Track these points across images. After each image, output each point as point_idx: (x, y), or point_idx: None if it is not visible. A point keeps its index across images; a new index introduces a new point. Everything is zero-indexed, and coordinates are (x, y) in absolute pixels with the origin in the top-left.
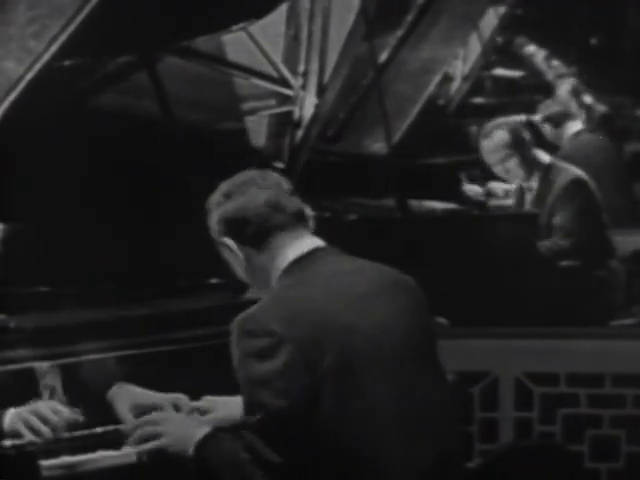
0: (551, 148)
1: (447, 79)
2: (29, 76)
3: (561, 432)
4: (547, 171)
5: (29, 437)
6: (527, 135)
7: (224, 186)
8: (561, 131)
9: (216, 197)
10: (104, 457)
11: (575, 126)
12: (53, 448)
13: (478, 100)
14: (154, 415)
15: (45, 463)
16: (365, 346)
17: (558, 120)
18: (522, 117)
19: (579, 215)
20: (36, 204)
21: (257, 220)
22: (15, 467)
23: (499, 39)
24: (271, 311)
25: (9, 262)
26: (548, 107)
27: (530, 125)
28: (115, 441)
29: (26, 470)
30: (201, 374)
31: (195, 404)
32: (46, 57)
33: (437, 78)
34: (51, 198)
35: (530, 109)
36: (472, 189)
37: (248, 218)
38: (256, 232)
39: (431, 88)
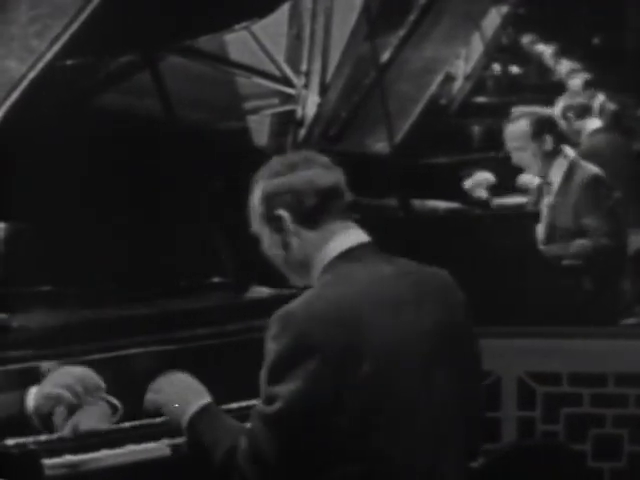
0: (570, 144)
1: (449, 79)
2: (31, 75)
3: (564, 431)
4: (570, 168)
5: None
6: (548, 130)
7: (282, 159)
8: (580, 125)
9: (273, 168)
10: (107, 456)
11: (593, 123)
12: (56, 447)
13: (480, 99)
14: (158, 381)
15: (48, 462)
16: (400, 355)
17: (579, 112)
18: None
19: (610, 213)
20: (38, 204)
21: (321, 198)
22: (18, 466)
23: (505, 37)
24: (311, 312)
25: (11, 262)
26: (569, 99)
27: (551, 121)
28: (118, 440)
29: (29, 469)
30: (203, 374)
31: None
32: (48, 56)
33: (439, 78)
34: (53, 198)
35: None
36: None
37: (313, 193)
38: (316, 210)
39: (433, 88)
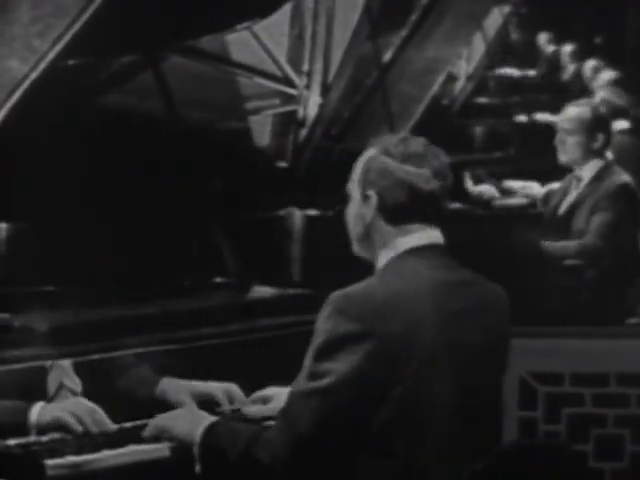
0: None
1: (451, 79)
2: (33, 75)
3: (565, 431)
4: (603, 169)
5: (76, 428)
6: (605, 129)
7: (401, 143)
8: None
9: (390, 146)
10: (109, 456)
11: (622, 123)
12: (58, 447)
13: (482, 100)
14: (166, 414)
15: (50, 462)
16: (445, 361)
17: (613, 113)
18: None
19: (622, 222)
20: (39, 203)
21: (414, 201)
22: (20, 466)
23: (514, 36)
24: (369, 298)
25: (12, 262)
26: (610, 95)
27: (609, 124)
28: (120, 441)
29: (31, 469)
30: (205, 374)
31: (256, 394)
32: (50, 56)
33: (441, 78)
34: (54, 197)
35: (534, 109)
36: (486, 189)
37: (409, 194)
38: (403, 209)
39: (435, 88)
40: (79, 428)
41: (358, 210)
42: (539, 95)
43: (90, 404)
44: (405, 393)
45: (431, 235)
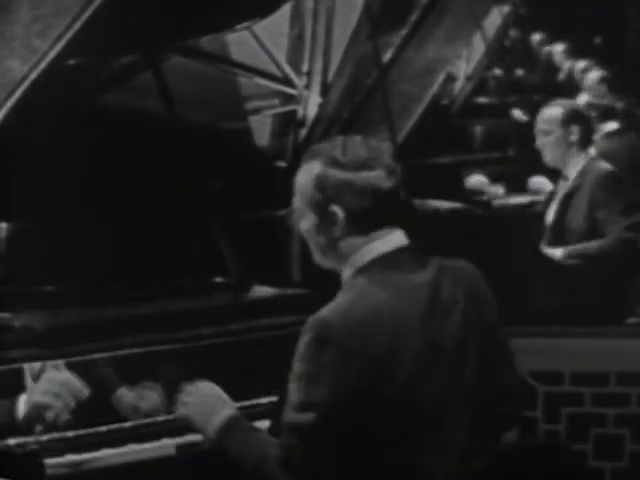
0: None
1: (451, 79)
2: (33, 75)
3: (565, 431)
4: (587, 165)
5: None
6: (578, 122)
7: (346, 151)
8: (598, 126)
9: (335, 158)
10: (108, 455)
11: (611, 125)
12: (58, 446)
13: (482, 100)
14: (188, 387)
15: (50, 461)
16: (433, 361)
17: (603, 113)
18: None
19: (629, 209)
20: (39, 203)
21: (378, 203)
22: (20, 465)
23: (512, 36)
24: (349, 320)
25: (12, 261)
26: (594, 97)
27: (584, 116)
28: (119, 439)
29: (31, 468)
30: (205, 373)
31: None
32: (50, 56)
33: (441, 77)
34: (54, 197)
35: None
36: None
37: (372, 197)
38: (371, 214)
39: (435, 88)
40: (58, 404)
41: (320, 228)
42: (539, 95)
43: (61, 376)
44: (399, 404)
45: (396, 238)
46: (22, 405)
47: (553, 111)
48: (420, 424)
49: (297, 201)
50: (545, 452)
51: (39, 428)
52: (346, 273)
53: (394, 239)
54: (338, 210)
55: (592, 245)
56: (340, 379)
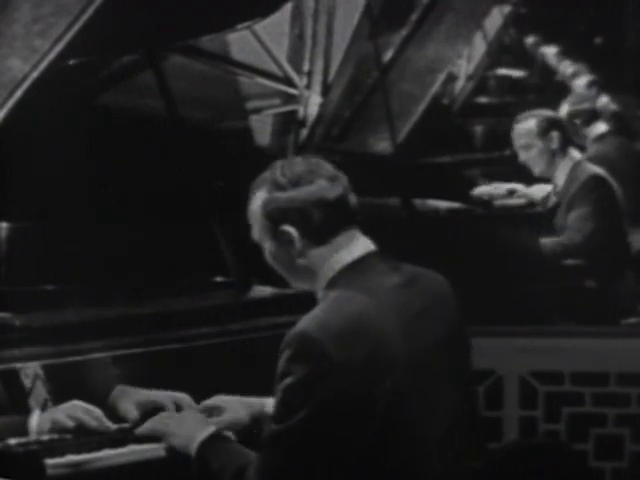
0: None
1: (451, 78)
2: (34, 75)
3: (566, 431)
4: (573, 169)
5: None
6: (555, 128)
7: (284, 170)
8: (587, 131)
9: (275, 181)
10: (109, 456)
11: (598, 128)
12: (58, 446)
13: (482, 99)
14: (161, 415)
15: (50, 462)
16: (416, 364)
17: (587, 118)
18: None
19: (596, 213)
20: (40, 202)
21: (328, 212)
22: (20, 465)
23: (507, 38)
24: (329, 331)
25: (13, 261)
26: (575, 104)
27: (559, 121)
28: (120, 440)
29: (31, 468)
30: (206, 373)
31: (204, 404)
32: (51, 56)
33: (442, 77)
34: (55, 196)
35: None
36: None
37: (320, 208)
38: (324, 224)
39: (436, 87)
40: (78, 429)
41: (280, 251)
42: (539, 95)
43: (86, 405)
44: (384, 410)
45: (362, 244)
46: (36, 422)
47: (527, 124)
48: (407, 429)
49: (255, 232)
50: (545, 452)
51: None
52: (318, 288)
53: (359, 246)
54: (290, 229)
55: (544, 241)
56: (322, 391)
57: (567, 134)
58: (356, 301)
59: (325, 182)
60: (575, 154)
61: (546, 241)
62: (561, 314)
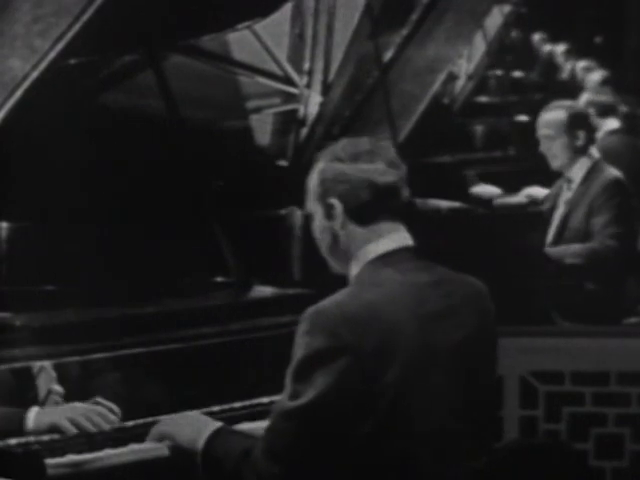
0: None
1: (451, 78)
2: (34, 74)
3: (566, 430)
4: (592, 168)
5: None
6: (583, 126)
7: (348, 144)
8: (599, 124)
9: (336, 152)
10: (110, 455)
11: (611, 124)
12: (59, 446)
13: (483, 99)
14: (168, 418)
15: (51, 461)
16: (427, 364)
17: (602, 111)
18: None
19: (621, 217)
20: (40, 202)
21: (376, 195)
22: (21, 465)
23: (513, 35)
24: (344, 312)
25: (13, 261)
26: (595, 94)
27: (587, 119)
28: (121, 439)
29: (32, 468)
30: (205, 373)
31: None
32: (51, 55)
33: (442, 77)
34: (55, 197)
35: (534, 108)
36: (487, 190)
37: (369, 189)
38: (369, 206)
39: (436, 87)
40: (75, 432)
41: (324, 223)
42: (541, 94)
43: (87, 406)
44: (389, 402)
45: (400, 237)
46: (33, 418)
47: (557, 115)
48: (406, 426)
49: (308, 204)
50: (546, 451)
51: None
52: (352, 271)
53: (396, 238)
54: (336, 202)
55: (574, 247)
56: (332, 368)
57: (592, 132)
58: (376, 291)
59: (383, 166)
60: (594, 153)
61: (575, 247)
62: (561, 314)
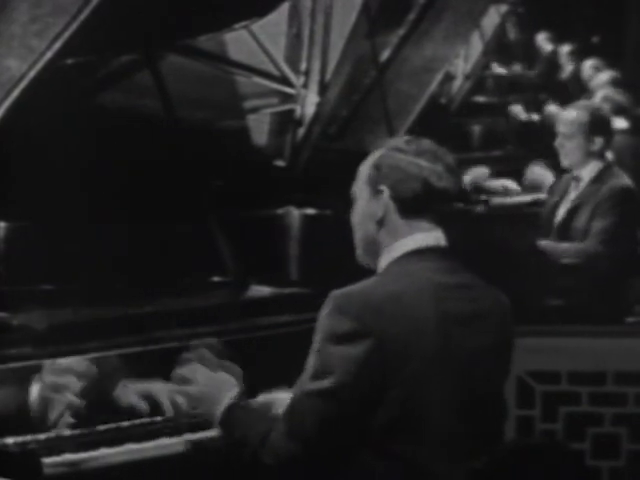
0: None
1: (449, 78)
2: (32, 74)
3: (562, 430)
4: (603, 170)
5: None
6: (602, 133)
7: (411, 142)
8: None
9: (401, 144)
10: (106, 455)
11: (621, 123)
12: (56, 445)
13: (480, 99)
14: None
15: (48, 460)
16: (443, 364)
17: (615, 110)
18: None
19: (622, 225)
20: (38, 202)
21: (427, 195)
22: (18, 464)
23: (508, 36)
24: (369, 298)
25: (11, 260)
26: (611, 92)
27: (608, 125)
28: (117, 439)
29: (29, 467)
30: None
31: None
32: (49, 55)
33: (439, 76)
34: (53, 196)
35: (532, 108)
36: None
37: (423, 188)
38: (417, 203)
39: (433, 86)
40: (64, 398)
41: (368, 208)
42: (537, 94)
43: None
44: (403, 395)
45: (435, 237)
46: (35, 393)
47: (579, 115)
48: (416, 423)
49: (355, 185)
50: (542, 451)
51: (63, 421)
52: (381, 263)
53: (432, 236)
54: (385, 188)
55: (566, 245)
56: (354, 351)
57: (609, 139)
58: (403, 284)
59: (442, 169)
60: (608, 155)
61: (568, 245)
62: (559, 314)
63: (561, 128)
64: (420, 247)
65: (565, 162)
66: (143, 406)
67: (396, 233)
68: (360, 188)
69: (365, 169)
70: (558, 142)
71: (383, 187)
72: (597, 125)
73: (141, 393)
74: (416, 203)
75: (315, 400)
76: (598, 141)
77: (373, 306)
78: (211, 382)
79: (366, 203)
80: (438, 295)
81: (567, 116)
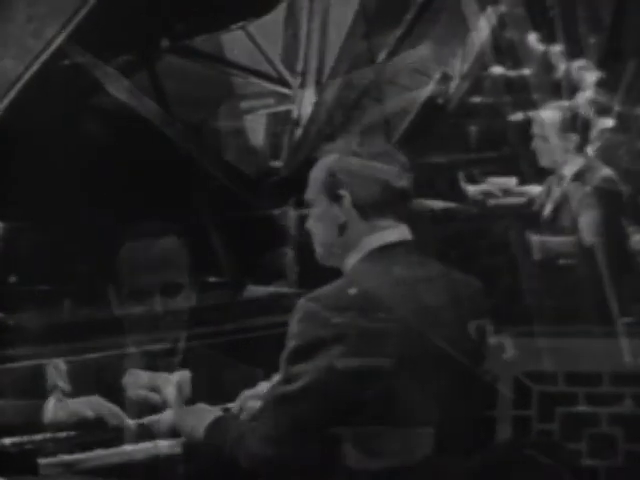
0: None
1: (446, 78)
2: (28, 75)
3: (559, 430)
4: (585, 166)
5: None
6: (576, 130)
7: (364, 144)
8: (595, 121)
9: (352, 148)
10: (102, 456)
11: (607, 122)
12: (51, 446)
13: (477, 99)
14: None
15: (43, 461)
16: (420, 356)
17: (600, 110)
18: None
19: (609, 218)
20: (36, 202)
21: (387, 196)
22: (14, 465)
23: (507, 36)
24: (338, 300)
25: (8, 260)
26: (596, 93)
27: (583, 121)
28: (113, 440)
29: (25, 468)
30: (199, 373)
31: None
32: (45, 56)
33: (437, 77)
34: (51, 196)
35: (530, 108)
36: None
37: (382, 189)
38: (378, 204)
39: (430, 87)
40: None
41: (328, 213)
42: (535, 95)
43: (107, 402)
44: (380, 394)
45: (401, 232)
46: (52, 409)
47: (552, 116)
48: (398, 416)
49: (310, 192)
50: (539, 451)
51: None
52: (347, 263)
53: (398, 232)
54: (345, 193)
55: (558, 239)
56: (325, 355)
57: (587, 135)
58: (373, 281)
59: (398, 169)
60: (589, 151)
61: (552, 240)
62: (554, 314)
63: (535, 130)
64: (387, 243)
65: (543, 162)
66: (155, 397)
67: (360, 233)
68: (316, 194)
69: (319, 175)
70: (535, 144)
71: (343, 192)
72: (571, 122)
73: (147, 385)
74: (378, 205)
75: (284, 404)
76: (573, 139)
77: (343, 308)
78: (192, 409)
79: (325, 209)
80: (409, 289)
81: (540, 118)
